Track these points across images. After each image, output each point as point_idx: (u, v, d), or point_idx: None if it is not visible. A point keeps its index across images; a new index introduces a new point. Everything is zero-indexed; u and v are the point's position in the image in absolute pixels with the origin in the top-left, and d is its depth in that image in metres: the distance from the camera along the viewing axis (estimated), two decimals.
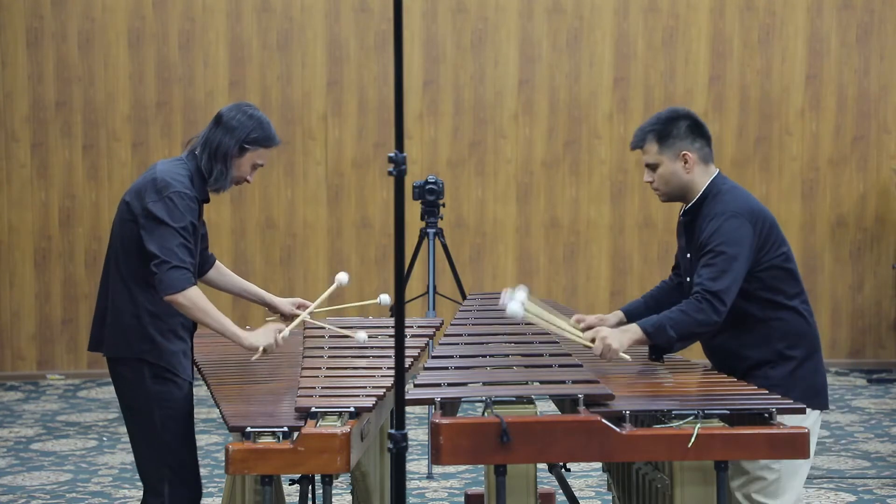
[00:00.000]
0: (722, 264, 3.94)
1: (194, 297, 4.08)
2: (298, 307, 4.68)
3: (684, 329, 3.93)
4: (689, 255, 4.19)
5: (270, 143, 4.29)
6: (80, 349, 8.94)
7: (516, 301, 3.93)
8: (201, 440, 7.18)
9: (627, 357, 4.00)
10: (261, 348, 4.18)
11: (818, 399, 4.12)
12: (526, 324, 4.63)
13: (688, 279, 4.18)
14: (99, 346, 4.32)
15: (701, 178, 4.11)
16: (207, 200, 4.31)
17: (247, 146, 4.23)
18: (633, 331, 3.98)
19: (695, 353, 4.45)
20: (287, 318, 4.70)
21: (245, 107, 4.30)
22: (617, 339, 3.95)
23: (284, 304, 4.68)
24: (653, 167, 4.15)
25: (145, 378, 4.19)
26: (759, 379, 3.97)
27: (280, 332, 4.25)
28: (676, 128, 4.10)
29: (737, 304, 3.99)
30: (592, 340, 3.99)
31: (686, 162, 4.09)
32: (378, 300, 4.81)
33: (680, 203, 4.24)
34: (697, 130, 4.13)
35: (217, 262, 4.68)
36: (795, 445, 3.31)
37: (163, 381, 4.19)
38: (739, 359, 4.07)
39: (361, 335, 4.47)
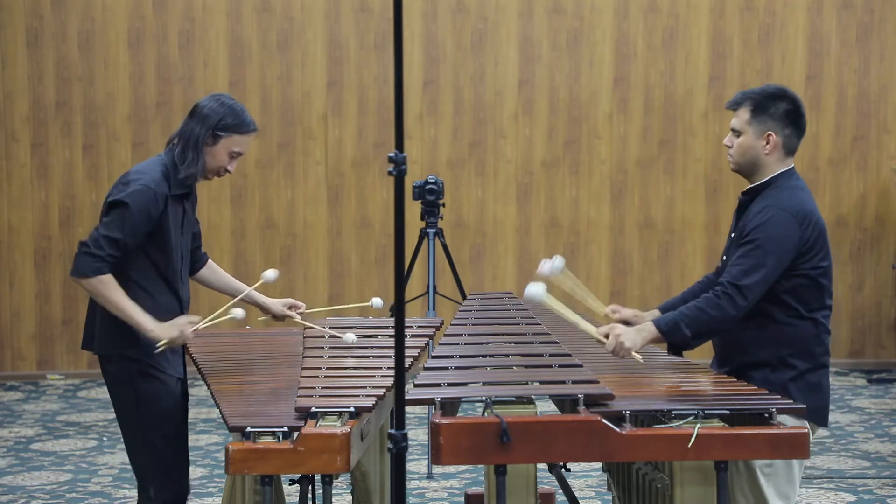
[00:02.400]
0: (757, 259, 3.91)
1: (96, 285, 4.08)
2: (290, 308, 4.67)
3: (699, 326, 3.91)
4: (732, 235, 4.16)
5: (244, 129, 4.28)
6: (81, 349, 8.94)
7: (538, 285, 3.90)
8: (201, 440, 7.18)
9: (640, 358, 3.98)
10: (164, 340, 4.15)
11: (815, 416, 4.01)
12: (526, 323, 4.64)
13: (724, 258, 4.17)
14: (90, 344, 4.34)
15: (776, 164, 4.08)
16: (186, 193, 4.30)
17: (220, 133, 4.24)
18: (649, 330, 3.95)
19: (695, 352, 4.44)
20: (278, 318, 4.70)
21: (220, 96, 4.33)
22: (631, 339, 3.93)
23: (275, 304, 4.67)
24: (737, 133, 4.11)
25: (132, 375, 4.21)
26: (755, 380, 3.95)
27: (193, 324, 4.21)
28: (775, 106, 4.06)
29: (757, 302, 3.96)
30: (607, 336, 3.97)
31: (768, 142, 4.06)
32: (370, 303, 4.80)
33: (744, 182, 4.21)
34: (793, 118, 4.07)
35: (210, 261, 4.69)
36: (795, 445, 3.31)
37: (149, 377, 4.21)
38: (742, 353, 4.04)
39: (350, 336, 4.44)
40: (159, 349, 4.17)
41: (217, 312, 4.35)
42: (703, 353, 4.34)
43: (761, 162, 4.09)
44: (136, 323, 4.13)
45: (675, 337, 3.93)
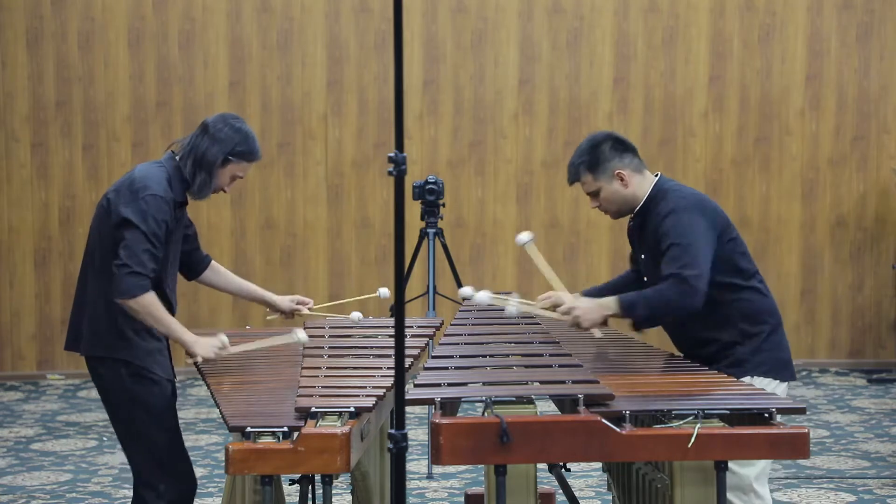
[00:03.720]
0: (688, 253, 4.08)
1: (145, 304, 4.11)
2: (298, 304, 4.71)
3: (656, 307, 4.08)
4: (643, 256, 4.36)
5: (253, 158, 4.34)
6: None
7: (525, 235, 4.17)
8: (201, 440, 7.18)
9: (598, 333, 4.20)
10: (198, 358, 4.20)
11: (785, 371, 4.27)
12: (526, 323, 4.64)
13: (645, 279, 4.37)
14: (75, 344, 4.34)
15: (641, 186, 4.30)
16: (186, 203, 4.32)
17: (231, 158, 4.27)
18: (608, 305, 4.15)
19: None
20: (287, 314, 4.73)
21: (231, 119, 4.33)
22: (589, 319, 4.14)
23: (283, 301, 4.72)
24: (595, 194, 4.34)
25: (123, 377, 4.21)
26: (728, 358, 4.17)
27: (223, 348, 4.26)
28: (601, 152, 4.28)
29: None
30: (566, 313, 4.17)
31: (622, 179, 4.27)
32: (378, 293, 4.86)
33: None
34: (621, 147, 4.31)
35: (213, 262, 4.69)
36: (796, 445, 3.31)
37: (141, 379, 4.22)
38: (708, 343, 4.23)
39: (356, 315, 4.66)
40: (190, 363, 4.24)
41: (268, 340, 4.40)
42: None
43: (629, 195, 4.31)
44: (178, 337, 4.18)
45: (630, 314, 4.12)
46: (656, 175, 4.33)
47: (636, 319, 4.14)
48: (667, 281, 4.07)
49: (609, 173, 4.26)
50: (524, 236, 4.15)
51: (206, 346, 4.20)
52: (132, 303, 4.09)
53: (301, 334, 4.29)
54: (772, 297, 4.31)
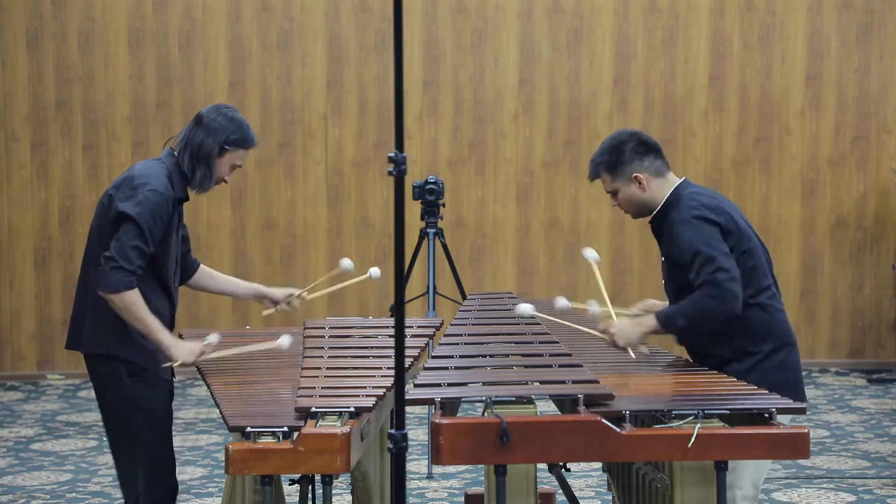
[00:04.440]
0: (715, 259, 4.03)
1: (127, 301, 4.10)
2: (292, 295, 4.71)
3: (695, 316, 4.04)
4: (662, 259, 4.34)
5: (249, 145, 4.34)
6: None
7: (590, 251, 4.29)
8: (201, 440, 7.18)
9: (633, 354, 4.13)
10: (178, 361, 4.18)
11: (790, 393, 4.07)
12: (527, 323, 4.64)
13: (663, 282, 4.34)
14: (76, 343, 4.33)
15: (660, 190, 4.25)
16: (187, 199, 4.32)
17: (227, 147, 4.27)
18: (646, 323, 4.13)
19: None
20: (282, 303, 4.70)
21: (224, 108, 4.33)
22: (624, 338, 4.12)
23: (278, 293, 4.70)
24: (613, 194, 4.31)
25: (122, 376, 4.21)
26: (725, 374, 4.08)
27: (203, 354, 4.23)
28: (621, 154, 4.23)
29: None
30: (604, 332, 4.17)
31: (640, 183, 4.23)
32: (368, 274, 4.85)
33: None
34: (643, 149, 4.25)
35: (201, 265, 4.67)
36: (796, 445, 3.31)
37: (139, 379, 4.21)
38: (708, 357, 4.18)
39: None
40: (167, 366, 4.21)
41: (246, 348, 4.37)
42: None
43: (647, 199, 4.27)
44: (156, 339, 4.16)
45: (670, 327, 4.10)
46: (682, 179, 4.27)
47: (676, 331, 4.12)
48: (701, 289, 4.02)
49: (627, 175, 4.22)
50: (591, 253, 4.31)
51: (184, 350, 4.18)
52: (114, 298, 4.09)
53: (284, 340, 4.21)
54: (780, 316, 4.20)
